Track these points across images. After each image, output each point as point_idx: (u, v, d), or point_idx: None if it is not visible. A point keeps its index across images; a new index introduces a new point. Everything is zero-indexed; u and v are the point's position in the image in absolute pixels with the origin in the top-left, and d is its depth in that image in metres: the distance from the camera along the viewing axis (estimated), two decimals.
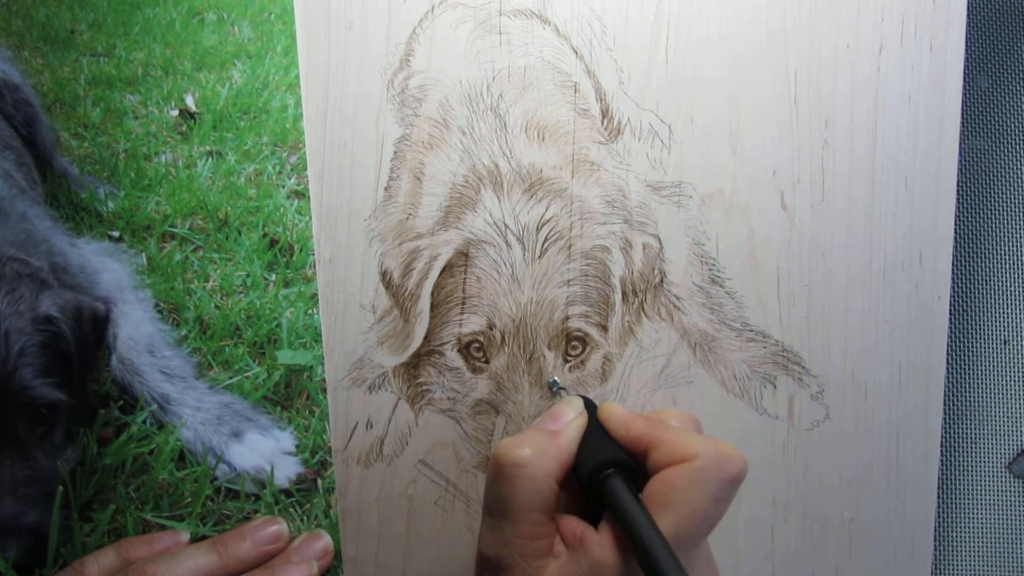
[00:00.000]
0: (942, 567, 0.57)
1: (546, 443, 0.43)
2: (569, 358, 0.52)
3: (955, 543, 0.58)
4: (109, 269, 0.53)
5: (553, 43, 0.52)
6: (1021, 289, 0.59)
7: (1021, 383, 0.59)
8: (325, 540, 0.51)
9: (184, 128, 0.55)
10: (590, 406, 0.46)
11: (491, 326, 0.52)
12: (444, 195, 0.52)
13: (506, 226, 0.52)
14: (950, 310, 0.53)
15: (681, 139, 0.53)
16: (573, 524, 0.42)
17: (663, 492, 0.40)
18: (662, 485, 0.40)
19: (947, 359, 0.53)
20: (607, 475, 0.42)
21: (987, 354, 0.59)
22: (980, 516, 0.58)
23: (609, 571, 0.39)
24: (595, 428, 0.45)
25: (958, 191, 0.53)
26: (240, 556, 0.48)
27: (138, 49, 0.56)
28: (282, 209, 0.55)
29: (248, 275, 0.54)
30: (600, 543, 0.40)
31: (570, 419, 0.45)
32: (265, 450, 0.52)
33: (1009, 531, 0.58)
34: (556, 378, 0.52)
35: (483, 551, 0.42)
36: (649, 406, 0.52)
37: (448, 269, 0.52)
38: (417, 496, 0.52)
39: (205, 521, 0.51)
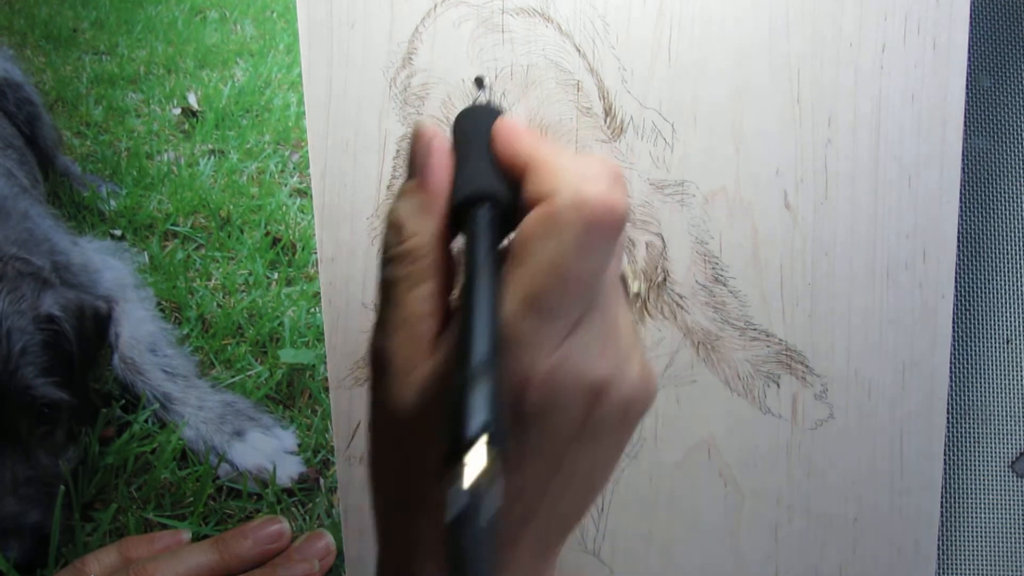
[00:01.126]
0: (946, 567, 0.57)
1: (418, 202, 0.35)
2: None
3: (959, 542, 0.58)
4: (111, 268, 0.53)
5: (555, 41, 0.52)
6: None
7: None
8: (327, 539, 0.51)
9: (186, 126, 0.55)
10: (490, 114, 0.37)
11: None
12: None
13: None
14: (953, 309, 0.53)
15: (684, 137, 0.52)
16: None
17: (519, 242, 0.32)
18: (520, 233, 0.32)
19: (951, 358, 0.53)
20: (474, 211, 0.34)
21: (991, 353, 0.59)
22: (984, 515, 0.58)
23: None
24: (483, 144, 0.36)
25: (961, 190, 0.53)
26: (241, 555, 0.48)
27: (140, 47, 0.55)
28: (284, 207, 0.55)
29: (250, 274, 0.54)
30: None
31: (424, 155, 0.35)
32: (267, 449, 0.52)
33: (1013, 530, 0.58)
34: (483, 77, 0.48)
35: (371, 349, 0.35)
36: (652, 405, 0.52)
37: None
38: None
39: (207, 520, 0.51)
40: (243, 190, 0.55)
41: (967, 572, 0.57)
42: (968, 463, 0.58)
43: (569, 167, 0.32)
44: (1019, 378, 0.59)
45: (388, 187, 0.52)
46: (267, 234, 0.54)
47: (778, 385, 0.53)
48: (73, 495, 0.51)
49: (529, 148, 0.34)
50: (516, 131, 0.35)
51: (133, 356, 0.53)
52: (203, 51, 0.56)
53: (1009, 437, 0.58)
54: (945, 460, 0.55)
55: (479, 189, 0.34)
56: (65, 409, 0.51)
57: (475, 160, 0.35)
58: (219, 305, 0.54)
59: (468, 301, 0.31)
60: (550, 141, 0.38)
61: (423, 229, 0.34)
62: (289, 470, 0.52)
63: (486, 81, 0.49)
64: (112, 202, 0.54)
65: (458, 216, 0.34)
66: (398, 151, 0.52)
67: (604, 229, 0.32)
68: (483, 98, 0.49)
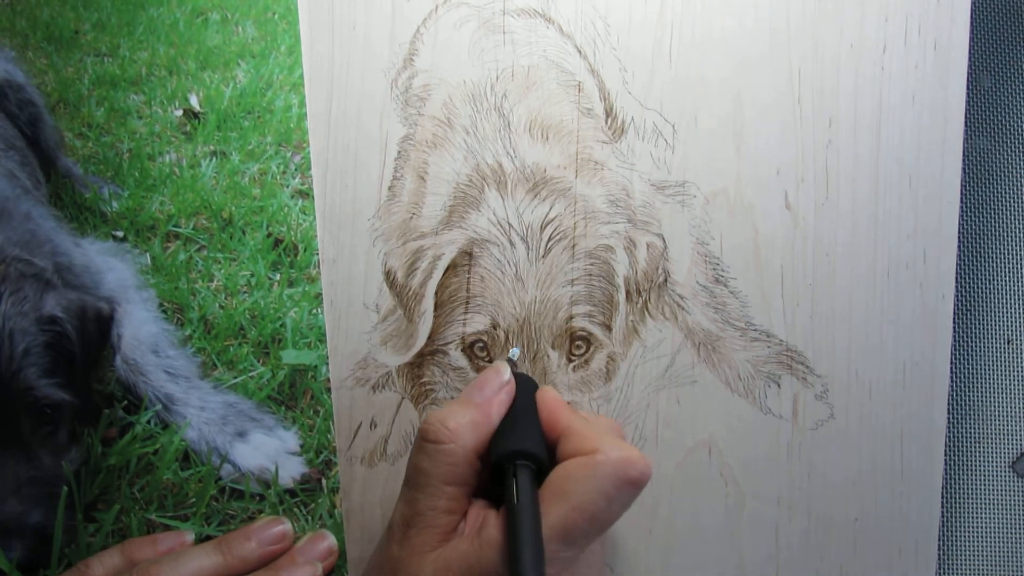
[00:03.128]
0: (946, 567, 0.57)
1: (470, 418, 0.43)
2: (573, 358, 0.52)
3: (959, 543, 0.58)
4: (113, 269, 0.53)
5: (557, 42, 0.52)
6: None
7: None
8: (329, 540, 0.51)
9: (188, 128, 0.55)
10: (529, 383, 0.47)
11: (495, 325, 0.52)
12: (448, 194, 0.52)
13: (510, 225, 0.52)
14: (954, 310, 0.53)
15: (685, 138, 0.53)
16: (480, 507, 0.43)
17: (559, 481, 0.40)
18: (560, 475, 0.41)
19: (951, 359, 0.53)
20: (514, 465, 0.42)
21: (991, 354, 0.59)
22: (984, 516, 0.58)
23: (497, 551, 0.40)
24: (524, 406, 0.45)
25: (962, 190, 0.53)
26: (244, 556, 0.48)
27: (142, 49, 0.56)
28: (286, 209, 0.55)
29: (252, 275, 0.54)
30: (496, 525, 0.40)
31: (494, 391, 0.45)
32: (269, 450, 0.52)
33: (1013, 531, 0.58)
34: (517, 351, 0.52)
35: (395, 519, 0.43)
36: (653, 405, 0.52)
37: (452, 268, 0.52)
38: None
39: (209, 521, 0.51)
40: (245, 191, 0.55)
41: (967, 572, 0.58)
42: (968, 463, 0.58)
43: (609, 437, 0.41)
44: (1020, 378, 0.59)
45: (389, 188, 0.52)
46: (269, 235, 0.54)
47: (779, 385, 0.53)
48: (76, 496, 0.51)
49: (567, 416, 0.43)
50: (554, 402, 0.45)
51: (135, 357, 0.53)
52: (205, 53, 0.56)
53: (1009, 437, 0.58)
54: (945, 460, 0.55)
55: (524, 449, 0.42)
56: (67, 410, 0.51)
57: (523, 423, 0.44)
58: (221, 306, 0.54)
59: (518, 542, 0.38)
60: (577, 413, 0.45)
61: (468, 442, 0.42)
62: (291, 471, 0.52)
63: (515, 357, 0.52)
64: (114, 203, 0.54)
65: (498, 460, 0.42)
66: (399, 152, 0.52)
67: (637, 486, 0.40)
68: (514, 355, 0.52)
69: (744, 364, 0.53)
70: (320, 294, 0.53)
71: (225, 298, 0.54)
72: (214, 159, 0.55)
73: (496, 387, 0.45)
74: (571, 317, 0.52)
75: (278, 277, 0.54)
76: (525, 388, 0.46)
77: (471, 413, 0.43)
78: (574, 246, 0.52)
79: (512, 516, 0.39)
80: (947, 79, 0.53)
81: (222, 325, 0.53)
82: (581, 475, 0.40)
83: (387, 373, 0.52)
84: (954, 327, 0.53)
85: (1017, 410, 0.59)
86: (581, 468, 0.40)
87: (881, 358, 0.53)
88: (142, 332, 0.53)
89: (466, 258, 0.52)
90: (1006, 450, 0.58)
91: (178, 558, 0.47)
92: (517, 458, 0.42)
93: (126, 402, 0.53)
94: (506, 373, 0.46)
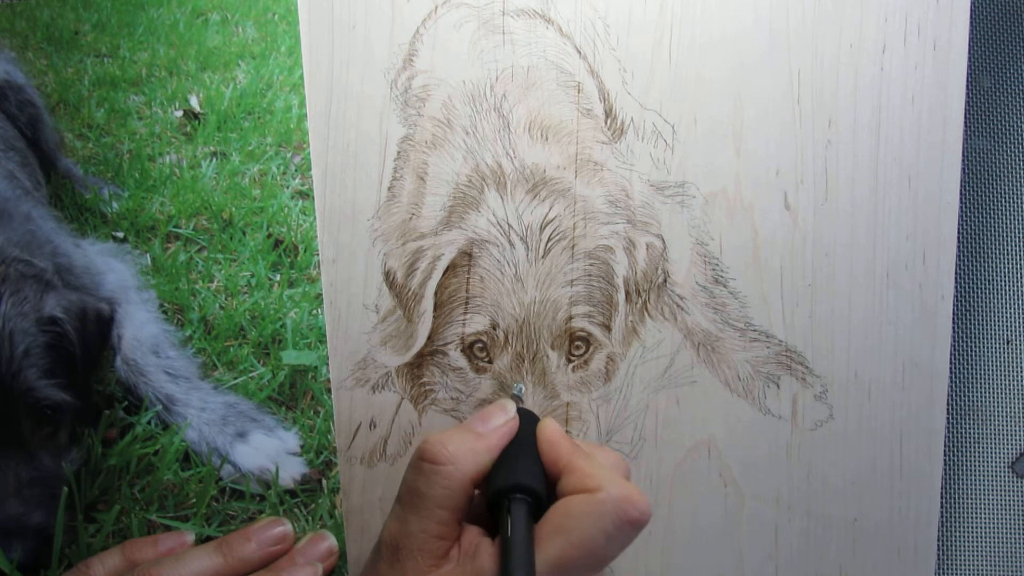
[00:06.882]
0: (946, 567, 0.57)
1: (470, 445, 0.43)
2: (572, 358, 0.52)
3: (959, 543, 0.58)
4: (113, 270, 0.54)
5: (556, 43, 0.52)
6: None
7: None
8: (330, 541, 0.51)
9: (188, 129, 0.55)
10: (531, 418, 0.46)
11: (494, 326, 0.52)
12: (447, 195, 0.52)
13: (509, 226, 0.52)
14: (953, 310, 0.53)
15: (684, 139, 0.53)
16: (473, 534, 0.42)
17: (559, 518, 0.40)
18: (560, 511, 0.41)
19: (951, 359, 0.53)
20: (510, 499, 0.42)
21: (990, 354, 0.59)
22: (984, 516, 0.58)
23: None
24: (525, 441, 0.45)
25: (961, 191, 0.53)
26: (245, 557, 0.48)
27: (142, 50, 0.56)
28: (286, 209, 0.55)
29: (252, 275, 0.54)
30: (490, 554, 0.40)
31: (498, 424, 0.45)
32: (270, 450, 0.52)
33: (1012, 531, 0.58)
34: (522, 387, 0.52)
35: (385, 537, 0.43)
36: (653, 406, 0.52)
37: (451, 269, 0.52)
38: None
39: (210, 522, 0.52)
40: (245, 192, 0.55)
41: (967, 572, 0.58)
42: (968, 463, 0.58)
43: (611, 474, 0.41)
44: (1019, 378, 0.59)
45: (389, 188, 0.52)
46: (269, 236, 0.54)
47: (778, 386, 0.53)
48: (76, 496, 0.51)
49: (568, 452, 0.43)
50: (556, 436, 0.44)
51: (136, 358, 0.53)
52: (205, 53, 0.56)
53: (1009, 437, 0.58)
54: (945, 460, 0.55)
55: (521, 483, 0.42)
56: (68, 411, 0.51)
57: (523, 458, 0.44)
58: (221, 307, 0.54)
59: (509, 570, 0.38)
60: (582, 446, 0.45)
61: (464, 468, 0.42)
62: (291, 471, 0.52)
63: (521, 394, 0.52)
64: (114, 204, 0.55)
65: (494, 495, 0.42)
66: (399, 153, 0.52)
67: (637, 526, 0.40)
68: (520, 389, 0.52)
69: (743, 364, 0.53)
70: (320, 295, 0.53)
71: (225, 299, 0.54)
72: (214, 160, 0.55)
73: (500, 421, 0.45)
74: (571, 317, 0.52)
75: (278, 278, 0.54)
76: (527, 423, 0.46)
77: (471, 440, 0.43)
78: (573, 247, 0.52)
79: (506, 550, 0.39)
80: (947, 79, 0.53)
81: (222, 326, 0.54)
82: (581, 512, 0.40)
83: (387, 373, 0.52)
84: (953, 328, 0.53)
85: (1017, 410, 0.59)
86: (581, 505, 0.40)
87: (880, 358, 0.53)
88: (142, 333, 0.53)
89: (466, 258, 0.52)
90: (1006, 450, 0.58)
91: (179, 559, 0.47)
92: (514, 492, 0.42)
93: (126, 403, 0.53)
94: (511, 410, 0.46)
